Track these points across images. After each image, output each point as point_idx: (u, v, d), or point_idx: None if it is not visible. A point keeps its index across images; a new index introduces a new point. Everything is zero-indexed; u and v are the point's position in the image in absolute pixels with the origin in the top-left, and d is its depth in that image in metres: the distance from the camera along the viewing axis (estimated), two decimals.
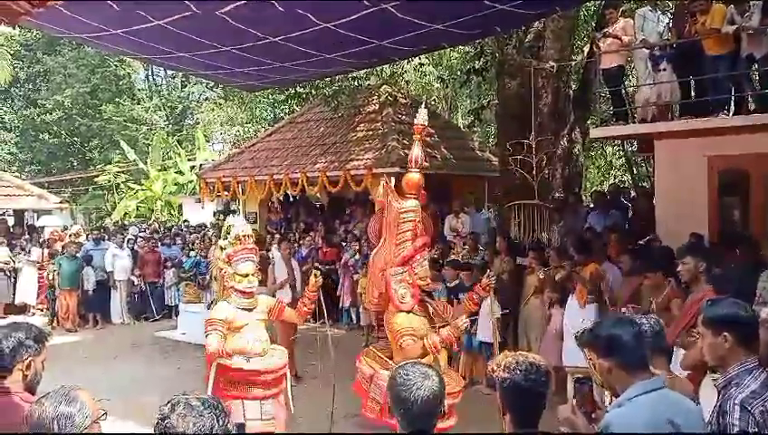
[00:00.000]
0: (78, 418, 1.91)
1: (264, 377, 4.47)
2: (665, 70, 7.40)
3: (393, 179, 5.04)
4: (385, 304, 4.58)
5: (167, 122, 27.98)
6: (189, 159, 22.73)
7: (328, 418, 5.16)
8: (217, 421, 1.75)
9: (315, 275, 4.91)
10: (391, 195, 4.64)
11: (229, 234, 4.64)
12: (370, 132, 11.87)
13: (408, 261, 4.41)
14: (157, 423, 1.76)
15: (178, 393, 1.83)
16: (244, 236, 4.62)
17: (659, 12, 7.92)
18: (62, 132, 27.59)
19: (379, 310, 4.83)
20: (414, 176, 4.56)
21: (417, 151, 4.61)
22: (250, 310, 4.59)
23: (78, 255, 11.34)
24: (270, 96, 18.11)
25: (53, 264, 11.47)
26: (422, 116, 4.68)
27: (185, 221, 17.65)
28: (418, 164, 4.59)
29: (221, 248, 4.70)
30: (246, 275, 4.56)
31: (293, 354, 7.35)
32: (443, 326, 4.47)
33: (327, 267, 10.62)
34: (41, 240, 13.35)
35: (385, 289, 4.45)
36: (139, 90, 30.07)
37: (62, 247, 11.54)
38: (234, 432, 1.83)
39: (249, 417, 4.40)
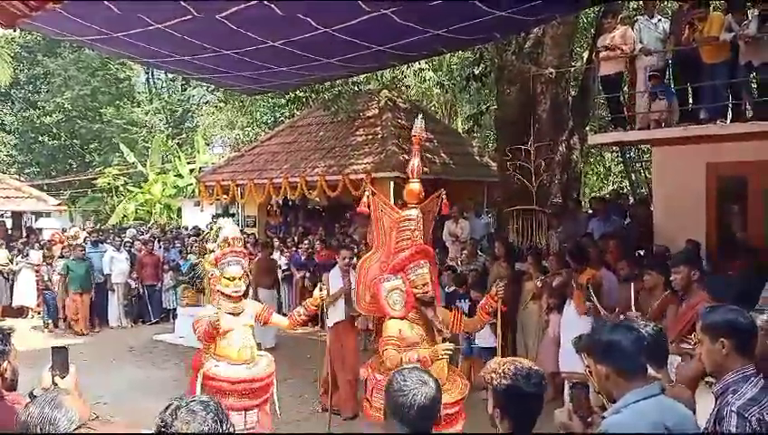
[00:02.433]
0: (63, 422, 1.92)
1: (251, 385, 4.44)
2: (662, 99, 7.45)
3: (392, 184, 4.98)
4: (376, 309, 4.53)
5: (166, 125, 28.00)
6: (189, 163, 22.73)
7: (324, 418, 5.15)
8: (221, 426, 1.75)
9: (320, 288, 4.81)
10: (382, 203, 4.60)
11: (218, 237, 4.61)
12: (370, 137, 11.90)
13: (401, 269, 4.33)
14: (159, 431, 1.74)
15: (176, 397, 1.82)
16: (232, 238, 4.58)
17: (659, 17, 7.93)
18: (62, 135, 27.61)
19: (372, 313, 4.75)
20: (414, 186, 4.51)
21: (416, 162, 4.58)
22: (236, 314, 4.53)
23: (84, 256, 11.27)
24: (270, 100, 18.13)
25: (51, 265, 11.43)
26: (419, 125, 4.64)
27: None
28: (417, 174, 4.55)
29: (209, 251, 4.68)
30: (233, 279, 4.49)
31: (355, 391, 6.20)
32: (444, 339, 4.34)
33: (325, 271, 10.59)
34: (40, 242, 13.33)
35: (376, 295, 4.38)
36: (139, 93, 30.13)
37: (70, 249, 11.51)
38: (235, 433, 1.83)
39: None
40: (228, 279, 4.49)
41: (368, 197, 4.56)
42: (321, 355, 6.53)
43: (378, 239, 4.64)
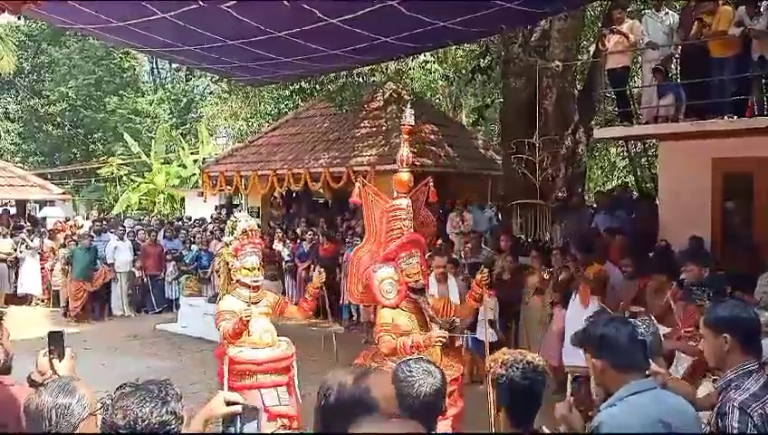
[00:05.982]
0: (76, 408, 1.92)
1: (276, 364, 4.62)
2: (667, 95, 7.39)
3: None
4: (369, 298, 4.68)
5: (170, 115, 27.97)
6: (192, 153, 22.71)
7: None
8: (156, 409, 1.76)
9: (319, 271, 5.04)
10: (373, 194, 4.73)
11: (235, 229, 4.78)
12: (374, 129, 11.87)
13: (393, 258, 4.46)
14: (104, 417, 1.78)
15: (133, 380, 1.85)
16: (250, 230, 4.79)
17: (666, 10, 7.87)
18: (66, 124, 27.63)
19: (364, 303, 4.96)
20: (403, 175, 4.63)
21: (404, 151, 4.69)
22: (255, 303, 4.70)
23: (91, 245, 11.28)
24: (274, 91, 18.08)
25: (59, 253, 11.46)
26: (408, 116, 4.77)
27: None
28: (407, 163, 4.67)
29: (227, 244, 4.85)
30: (252, 269, 4.71)
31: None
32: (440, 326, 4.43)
33: (328, 263, 10.59)
34: (42, 231, 13.37)
35: (369, 285, 4.51)
36: (143, 82, 30.10)
37: (78, 238, 11.52)
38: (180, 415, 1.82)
39: (269, 404, 4.50)
40: (248, 269, 4.70)
41: (359, 187, 4.72)
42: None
43: (369, 229, 4.78)
